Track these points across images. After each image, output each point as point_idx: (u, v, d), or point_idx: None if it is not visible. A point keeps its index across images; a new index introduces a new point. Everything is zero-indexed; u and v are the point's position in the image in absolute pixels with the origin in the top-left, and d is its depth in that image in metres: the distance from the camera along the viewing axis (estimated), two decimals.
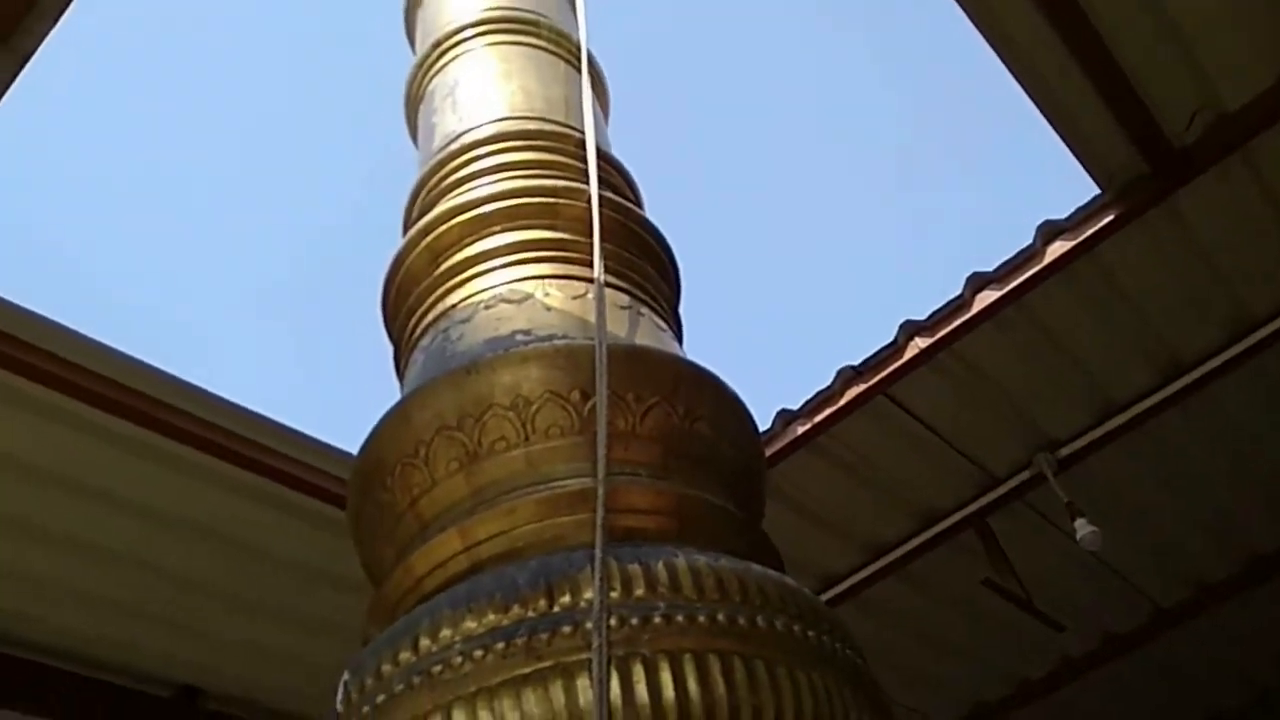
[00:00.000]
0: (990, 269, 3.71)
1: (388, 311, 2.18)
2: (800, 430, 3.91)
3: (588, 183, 2.11)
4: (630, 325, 1.93)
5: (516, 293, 1.92)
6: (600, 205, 2.05)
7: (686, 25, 10.82)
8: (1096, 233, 3.55)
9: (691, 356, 2.12)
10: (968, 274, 3.72)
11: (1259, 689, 5.66)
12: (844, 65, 11.53)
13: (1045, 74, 3.23)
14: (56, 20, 2.13)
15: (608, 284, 1.93)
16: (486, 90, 2.51)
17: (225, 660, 3.58)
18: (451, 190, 2.21)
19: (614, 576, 1.37)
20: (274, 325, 11.82)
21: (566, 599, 1.35)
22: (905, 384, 3.86)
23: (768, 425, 3.97)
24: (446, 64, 2.66)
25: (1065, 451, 4.19)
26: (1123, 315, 3.87)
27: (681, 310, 2.35)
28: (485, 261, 2.02)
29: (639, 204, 2.40)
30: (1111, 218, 3.53)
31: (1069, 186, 3.62)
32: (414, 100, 2.77)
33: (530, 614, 1.33)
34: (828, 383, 3.91)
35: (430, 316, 2.01)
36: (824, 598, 4.46)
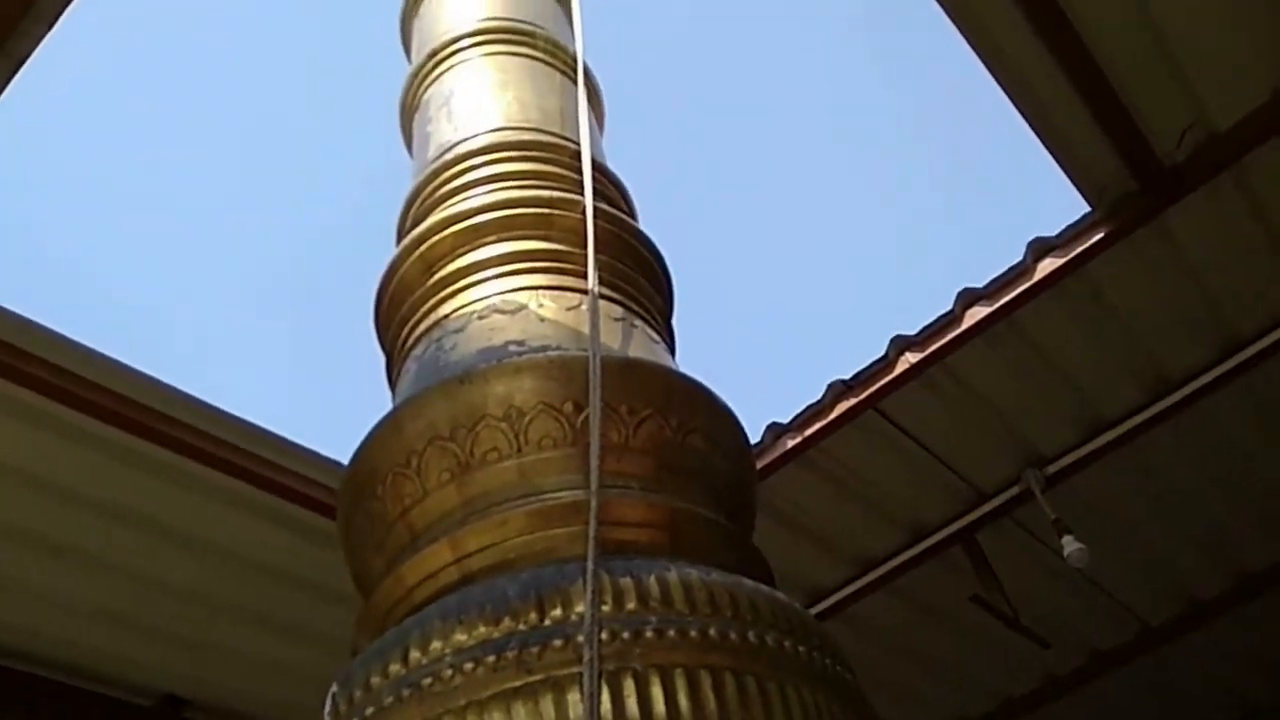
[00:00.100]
0: (981, 285, 3.72)
1: (380, 320, 2.17)
2: (790, 444, 3.91)
3: (582, 194, 2.11)
4: (624, 337, 1.93)
5: (510, 303, 1.92)
6: (595, 217, 2.05)
7: (676, 43, 10.87)
8: (1087, 250, 3.56)
9: (684, 368, 2.12)
10: (958, 289, 3.73)
11: (1248, 706, 5.67)
12: (840, 80, 11.61)
13: (1036, 90, 3.25)
14: (53, 24, 2.12)
15: (601, 295, 1.93)
16: (482, 100, 2.52)
17: (209, 670, 3.56)
18: (446, 200, 2.21)
19: (606, 590, 1.36)
20: (271, 326, 11.80)
21: (558, 612, 1.34)
22: (895, 399, 3.87)
23: (758, 438, 3.97)
24: (442, 74, 2.66)
25: (1053, 468, 4.20)
26: (1112, 332, 3.89)
27: (674, 322, 2.36)
28: (479, 272, 2.01)
29: (633, 216, 2.40)
30: (1101, 235, 3.55)
31: (1060, 204, 3.65)
32: (409, 109, 2.77)
33: (521, 627, 1.32)
34: (818, 396, 3.92)
35: (423, 326, 2.00)
36: (812, 612, 4.45)
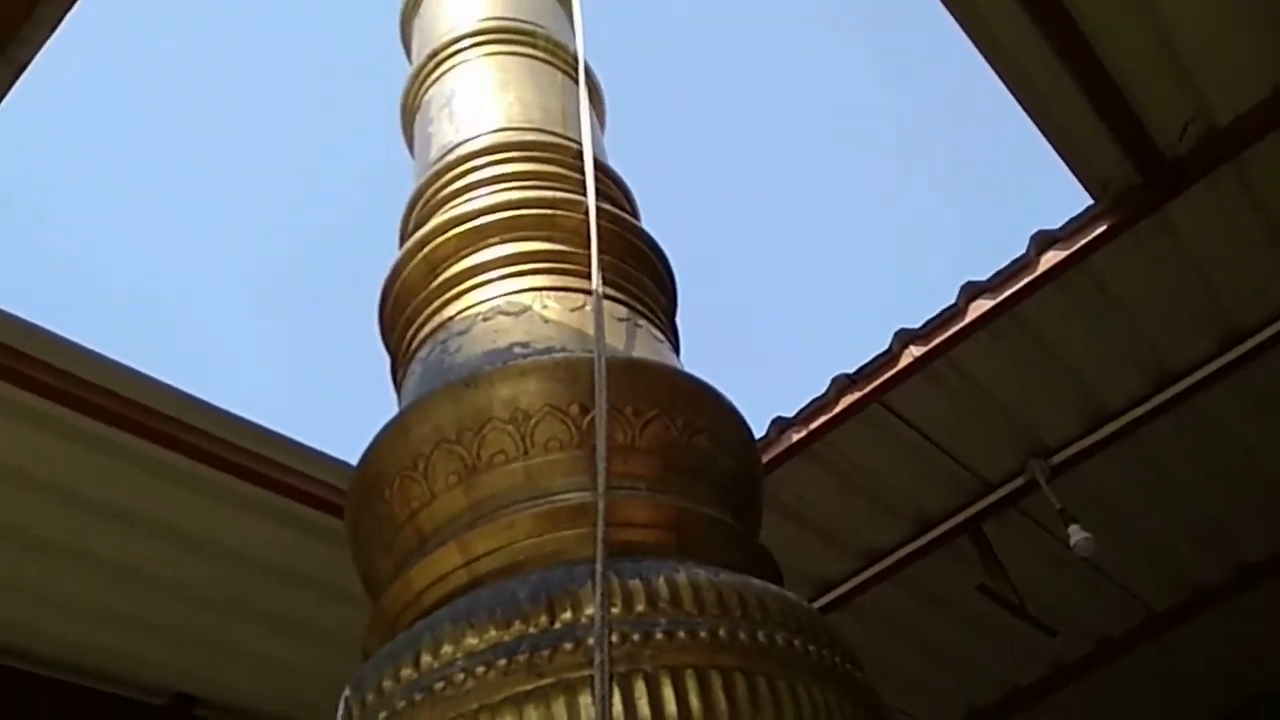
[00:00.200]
0: (984, 278, 3.72)
1: (385, 323, 2.18)
2: (795, 438, 3.92)
3: (585, 194, 2.11)
4: (628, 337, 1.94)
5: (514, 305, 1.92)
6: (598, 217, 2.05)
7: (676, 40, 10.84)
8: (1089, 243, 3.56)
9: (688, 365, 2.13)
10: (962, 283, 3.73)
11: (1252, 691, 5.68)
12: (840, 74, 11.58)
13: (1038, 84, 3.25)
14: (54, 29, 2.13)
15: (606, 296, 1.93)
16: (483, 101, 2.52)
17: (219, 669, 3.58)
18: (448, 202, 2.21)
19: (615, 592, 1.37)
20: (271, 325, 11.81)
21: (568, 615, 1.35)
22: (900, 392, 3.87)
23: (763, 433, 3.97)
24: (443, 74, 2.66)
25: (1058, 459, 4.21)
26: (1115, 324, 3.89)
27: (679, 317, 2.36)
28: (483, 273, 2.02)
29: (636, 215, 2.40)
30: (1104, 228, 3.54)
31: (1063, 197, 3.65)
32: (410, 110, 2.77)
33: (532, 630, 1.33)
34: (822, 390, 3.92)
35: (428, 328, 2.01)
36: (818, 604, 4.47)
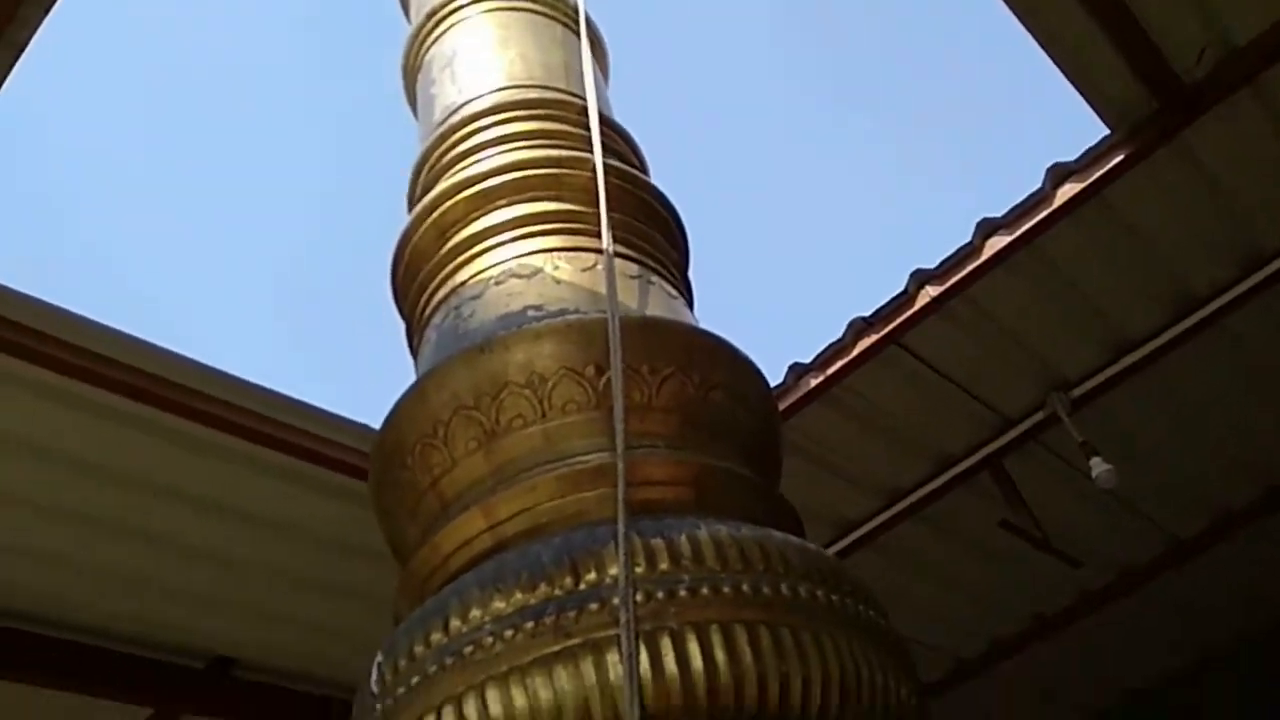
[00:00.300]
0: (1000, 214, 3.67)
1: (397, 290, 2.18)
2: (813, 383, 3.91)
3: (592, 151, 2.10)
4: (641, 295, 1.94)
5: (526, 267, 1.93)
6: (605, 174, 2.04)
7: None
8: (1106, 173, 3.50)
9: (702, 316, 2.13)
10: (977, 220, 3.69)
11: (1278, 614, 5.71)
12: (850, 14, 11.33)
13: (1049, 13, 3.17)
14: (49, 9, 2.11)
15: (616, 254, 1.93)
16: (485, 59, 2.49)
17: (256, 630, 3.66)
18: (455, 165, 2.20)
19: (638, 551, 1.39)
20: (288, 305, 11.85)
21: (592, 576, 1.37)
22: (917, 332, 3.85)
23: (780, 380, 3.97)
24: (443, 33, 2.63)
25: (1078, 391, 4.18)
26: (1134, 254, 3.84)
27: (691, 269, 2.35)
28: (493, 236, 2.02)
29: (644, 169, 2.39)
30: (1121, 158, 3.48)
31: (1079, 129, 3.58)
32: (411, 71, 2.74)
33: (557, 592, 1.36)
34: (839, 334, 3.91)
35: (441, 294, 2.01)
36: (842, 544, 4.50)
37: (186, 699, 3.68)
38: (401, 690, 1.37)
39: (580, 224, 2.02)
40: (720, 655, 1.31)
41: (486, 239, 2.02)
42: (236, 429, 2.93)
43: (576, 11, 2.63)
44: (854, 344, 3.85)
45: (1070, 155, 3.56)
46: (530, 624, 1.32)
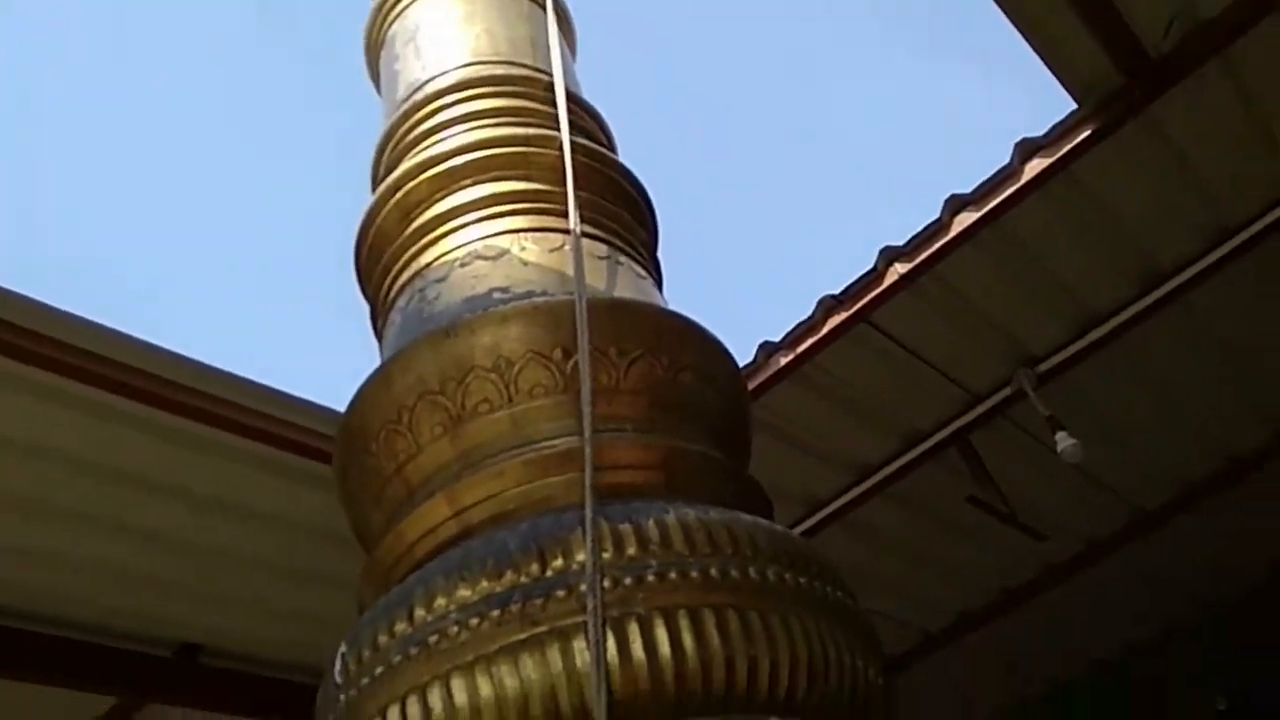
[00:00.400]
0: (968, 190, 3.68)
1: (362, 272, 2.14)
2: (783, 361, 3.91)
3: (559, 129, 2.06)
4: (609, 276, 1.92)
5: (492, 248, 1.90)
6: (573, 152, 2.01)
7: None
8: (1074, 148, 3.51)
9: (672, 296, 2.11)
10: (946, 196, 3.69)
11: (1242, 583, 5.82)
12: None
13: None
14: None
15: (584, 234, 1.91)
16: (449, 34, 2.44)
17: (222, 617, 3.62)
18: (419, 143, 2.16)
19: (605, 536, 1.38)
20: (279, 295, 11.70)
21: (559, 562, 1.36)
22: (886, 310, 3.85)
23: (750, 358, 3.97)
24: (406, 7, 2.58)
25: (1045, 367, 4.22)
26: (1101, 229, 3.86)
27: (661, 248, 2.33)
28: (458, 217, 1.98)
29: (612, 147, 2.35)
30: (1089, 132, 3.49)
31: (1047, 103, 3.58)
32: (374, 46, 2.69)
33: (524, 579, 1.34)
34: (809, 313, 3.90)
35: (405, 276, 1.98)
36: (811, 521, 4.53)
37: (151, 687, 3.64)
38: (365, 680, 1.35)
39: (547, 204, 1.99)
40: (688, 640, 1.30)
41: (451, 219, 1.99)
42: (197, 414, 2.87)
43: None
44: (824, 322, 3.85)
45: (1038, 130, 3.56)
46: (496, 612, 1.31)
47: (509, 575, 1.35)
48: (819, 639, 1.42)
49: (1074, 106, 3.51)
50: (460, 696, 1.26)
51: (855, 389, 4.15)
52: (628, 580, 1.34)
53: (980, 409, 4.33)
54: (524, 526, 1.43)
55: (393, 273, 2.02)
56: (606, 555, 1.36)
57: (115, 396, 2.76)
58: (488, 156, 2.03)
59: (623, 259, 1.99)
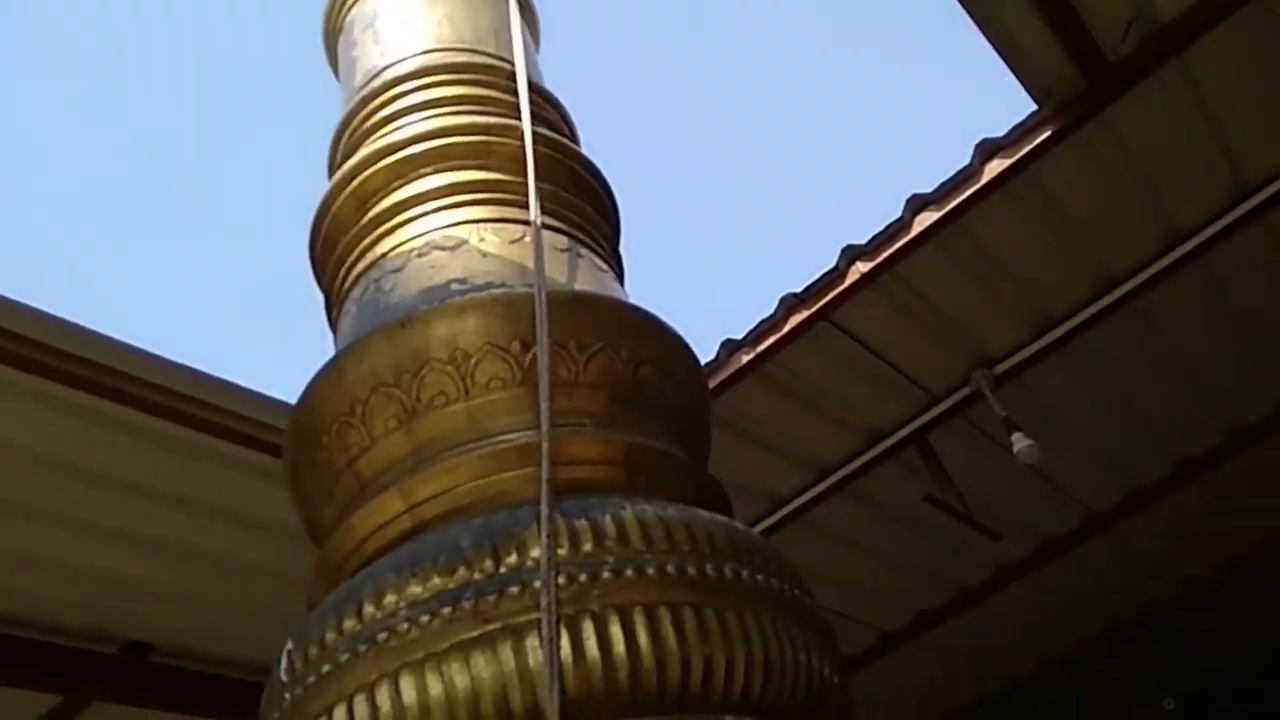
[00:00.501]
0: (929, 189, 3.70)
1: (316, 262, 2.09)
2: (745, 359, 3.91)
3: (520, 119, 2.03)
4: (570, 268, 1.89)
5: (450, 239, 1.86)
6: (535, 143, 1.98)
7: None
8: (1034, 149, 3.55)
9: (634, 293, 2.08)
10: (908, 196, 3.71)
11: (1190, 583, 5.92)
12: None
13: None
14: None
15: (545, 226, 1.87)
16: (409, 20, 2.39)
17: (170, 614, 3.54)
18: (377, 130, 2.12)
19: (561, 532, 1.35)
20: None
21: (513, 559, 1.33)
22: (847, 309, 3.87)
23: (712, 355, 3.97)
24: None
25: (1002, 368, 4.26)
26: (1059, 231, 3.91)
27: (623, 245, 2.30)
28: (416, 206, 1.94)
29: (575, 139, 2.32)
30: (1049, 133, 3.53)
31: (1009, 104, 3.61)
32: (332, 32, 2.63)
33: (476, 576, 1.31)
34: (771, 311, 3.91)
35: (360, 266, 1.93)
36: (771, 520, 4.53)
37: (98, 685, 3.55)
38: (312, 679, 1.31)
39: (507, 194, 1.96)
40: (644, 638, 1.28)
41: (409, 209, 1.94)
42: (146, 405, 2.80)
43: None
44: (785, 320, 3.86)
45: (999, 131, 3.59)
46: (447, 609, 1.27)
47: (461, 571, 1.31)
48: (776, 637, 1.40)
49: (1035, 107, 3.54)
50: (409, 695, 1.23)
51: (816, 387, 4.16)
52: (583, 577, 1.31)
53: (939, 409, 4.36)
54: (478, 522, 1.40)
55: (348, 263, 1.97)
56: (562, 551, 1.33)
57: (60, 386, 2.67)
58: (447, 145, 1.99)
59: (584, 251, 1.96)
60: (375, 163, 1.99)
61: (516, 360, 1.62)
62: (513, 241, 1.87)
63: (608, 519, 1.39)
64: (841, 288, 3.79)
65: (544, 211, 1.89)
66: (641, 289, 2.22)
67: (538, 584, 1.28)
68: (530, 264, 1.74)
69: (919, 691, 6.16)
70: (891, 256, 3.74)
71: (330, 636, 1.32)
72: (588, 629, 1.27)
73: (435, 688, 1.23)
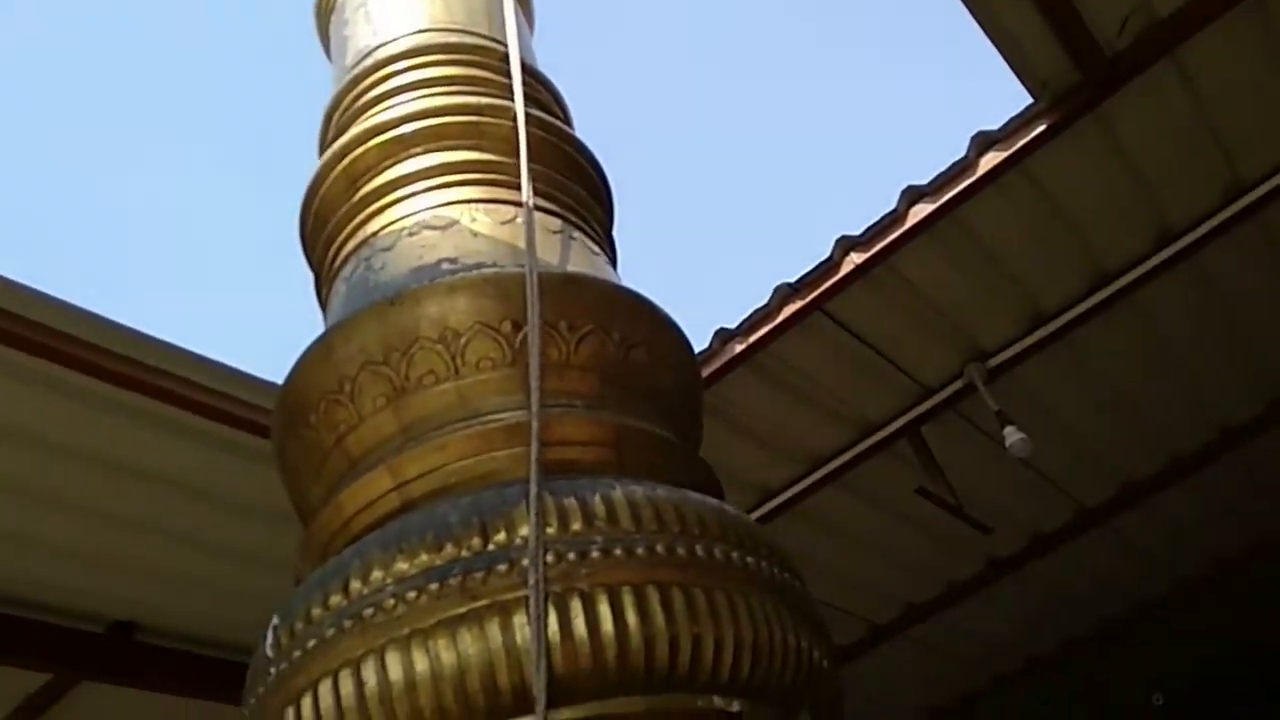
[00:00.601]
0: (924, 182, 3.69)
1: (306, 240, 2.08)
2: (738, 349, 3.90)
3: (513, 100, 2.02)
4: (562, 250, 1.88)
5: (441, 218, 1.85)
6: (527, 124, 1.97)
7: None
8: (1029, 142, 3.53)
9: (629, 279, 2.07)
10: (903, 187, 3.70)
11: (1180, 580, 5.94)
12: None
13: None
14: None
15: (537, 207, 1.87)
16: (402, 0, 2.38)
17: (157, 594, 3.53)
18: (368, 109, 2.10)
19: (550, 511, 1.34)
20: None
21: (501, 536, 1.32)
22: (841, 300, 3.86)
23: (706, 344, 3.95)
24: None
25: (995, 361, 4.25)
26: (1054, 225, 3.90)
27: (616, 231, 2.29)
28: (407, 185, 1.93)
29: (568, 121, 2.31)
30: (1044, 127, 3.51)
31: (1006, 97, 3.60)
32: (325, 10, 2.61)
33: (464, 553, 1.30)
34: (765, 300, 3.89)
35: (351, 245, 1.92)
36: (763, 510, 4.53)
37: (86, 664, 3.53)
38: (297, 654, 1.30)
39: (499, 175, 1.95)
40: (631, 617, 1.27)
41: (400, 188, 1.93)
42: (135, 384, 2.79)
43: None
44: (779, 310, 3.84)
45: (994, 124, 3.58)
46: (435, 585, 1.27)
47: (449, 548, 1.31)
48: (764, 619, 1.40)
49: (1031, 100, 3.53)
50: (395, 671, 1.22)
51: (809, 378, 4.15)
52: (571, 555, 1.31)
53: (931, 402, 4.35)
54: (466, 500, 1.39)
55: (338, 241, 1.96)
56: (550, 530, 1.32)
57: (47, 364, 2.65)
58: (439, 125, 1.98)
59: (576, 234, 1.95)
60: (366, 141, 1.98)
61: (507, 340, 1.61)
62: (504, 222, 1.86)
63: (597, 499, 1.38)
64: (835, 279, 3.78)
65: (536, 193, 1.88)
66: (636, 276, 2.22)
67: (526, 562, 1.27)
68: (522, 245, 1.73)
69: (908, 684, 6.17)
70: (886, 248, 3.73)
71: (316, 611, 1.31)
72: (576, 607, 1.26)
73: (421, 664, 1.22)
